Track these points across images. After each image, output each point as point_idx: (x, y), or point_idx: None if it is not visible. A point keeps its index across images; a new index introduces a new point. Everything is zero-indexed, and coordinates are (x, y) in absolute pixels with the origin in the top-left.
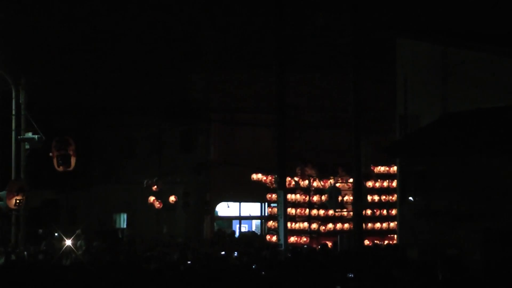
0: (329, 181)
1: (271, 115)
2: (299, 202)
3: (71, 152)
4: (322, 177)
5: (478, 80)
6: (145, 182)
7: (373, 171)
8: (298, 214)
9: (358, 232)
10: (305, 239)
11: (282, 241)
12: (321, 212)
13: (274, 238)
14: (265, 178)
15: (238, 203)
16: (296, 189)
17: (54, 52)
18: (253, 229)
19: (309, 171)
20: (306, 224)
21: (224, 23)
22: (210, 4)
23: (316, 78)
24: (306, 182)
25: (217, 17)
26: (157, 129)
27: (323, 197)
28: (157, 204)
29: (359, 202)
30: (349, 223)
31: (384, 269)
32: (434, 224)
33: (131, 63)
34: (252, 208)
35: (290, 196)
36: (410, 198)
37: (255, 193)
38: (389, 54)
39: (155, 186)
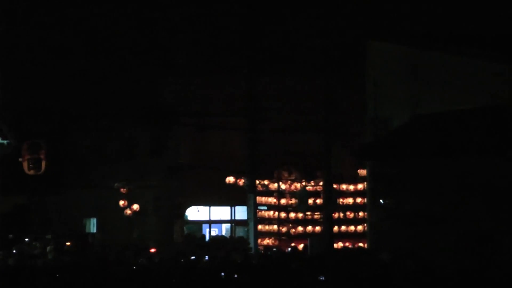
0: (299, 184)
1: (241, 118)
2: (271, 204)
3: (42, 156)
4: (295, 180)
5: (448, 82)
6: (115, 185)
7: (358, 174)
8: (270, 216)
9: (329, 235)
10: (274, 241)
11: (252, 245)
12: (292, 215)
13: (266, 241)
14: (238, 181)
15: (208, 207)
16: (265, 192)
17: (24, 54)
18: (223, 233)
19: (288, 174)
20: (276, 227)
21: (194, 25)
22: (180, 7)
23: (287, 80)
24: (276, 185)
25: (187, 20)
26: (128, 133)
27: (293, 200)
28: (128, 211)
29: (330, 205)
30: (320, 226)
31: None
32: (404, 227)
33: (102, 67)
34: (222, 212)
35: (265, 199)
36: (381, 201)
37: (225, 197)
38: (360, 57)
39: (124, 189)
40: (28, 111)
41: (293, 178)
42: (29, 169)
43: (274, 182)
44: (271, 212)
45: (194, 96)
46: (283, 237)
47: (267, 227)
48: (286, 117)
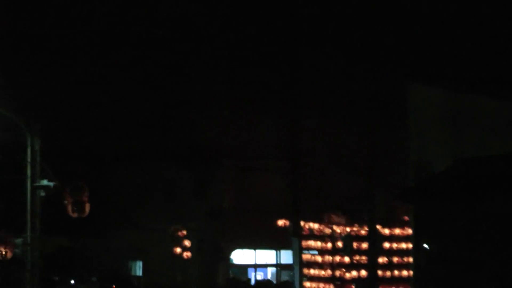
0: (345, 228)
1: (283, 161)
2: (317, 248)
3: (85, 199)
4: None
5: (490, 126)
6: (172, 228)
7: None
8: (319, 261)
9: (373, 280)
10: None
11: None
12: (337, 258)
13: (313, 285)
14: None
15: (253, 250)
16: (311, 236)
17: (66, 100)
18: (269, 277)
19: (336, 218)
20: (326, 272)
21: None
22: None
23: (330, 124)
24: (326, 228)
25: (229, 62)
26: (171, 176)
27: (339, 244)
28: (186, 254)
29: (374, 250)
30: (366, 270)
31: None
32: (449, 272)
33: (145, 110)
34: (267, 256)
35: (312, 243)
36: (425, 245)
37: (270, 240)
38: (402, 101)
39: (182, 232)
40: (71, 153)
41: (342, 221)
42: (73, 211)
43: (324, 225)
44: (318, 257)
45: (236, 138)
46: (337, 282)
47: (313, 272)
48: (329, 160)
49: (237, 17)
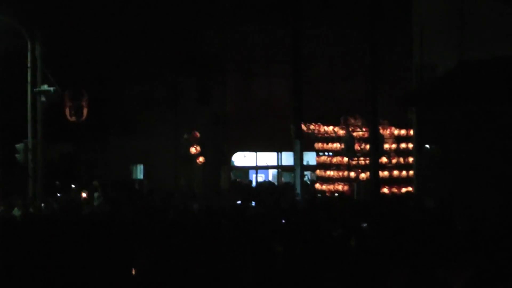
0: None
1: (286, 65)
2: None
3: (83, 103)
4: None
5: (494, 28)
6: (185, 135)
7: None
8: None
9: (375, 181)
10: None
11: (298, 190)
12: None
13: (324, 187)
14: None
15: (254, 153)
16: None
17: (68, 3)
18: (270, 178)
19: (354, 120)
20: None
21: None
22: None
23: (332, 27)
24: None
25: None
26: (173, 81)
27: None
28: (200, 158)
29: (376, 151)
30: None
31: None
32: (448, 173)
33: (147, 17)
34: (268, 158)
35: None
36: (427, 146)
37: (272, 142)
38: (406, 2)
39: (197, 133)
40: (73, 59)
41: (359, 123)
42: (71, 115)
43: (339, 127)
44: (327, 158)
45: (239, 43)
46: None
47: (328, 173)
48: (332, 64)
49: None
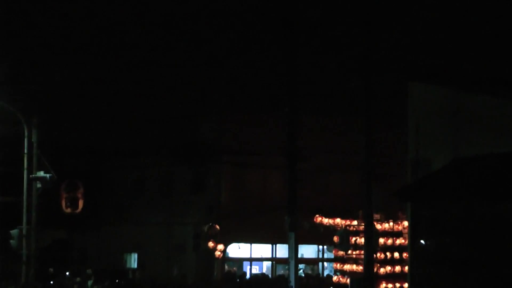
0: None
1: (281, 157)
2: None
3: (79, 195)
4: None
5: (490, 125)
6: (205, 228)
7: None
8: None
9: (369, 276)
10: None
11: (293, 283)
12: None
13: (343, 280)
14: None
15: (249, 245)
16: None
17: (66, 93)
18: (264, 270)
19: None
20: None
21: (235, 63)
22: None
23: (327, 120)
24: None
25: (227, 58)
26: (167, 171)
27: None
28: (218, 252)
29: (370, 245)
30: (361, 265)
31: None
32: (445, 269)
33: (141, 105)
34: (263, 250)
35: None
36: (422, 241)
37: (266, 234)
38: (401, 98)
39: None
40: (69, 148)
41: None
42: (66, 207)
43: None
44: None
45: (234, 134)
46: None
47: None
48: (327, 156)
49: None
